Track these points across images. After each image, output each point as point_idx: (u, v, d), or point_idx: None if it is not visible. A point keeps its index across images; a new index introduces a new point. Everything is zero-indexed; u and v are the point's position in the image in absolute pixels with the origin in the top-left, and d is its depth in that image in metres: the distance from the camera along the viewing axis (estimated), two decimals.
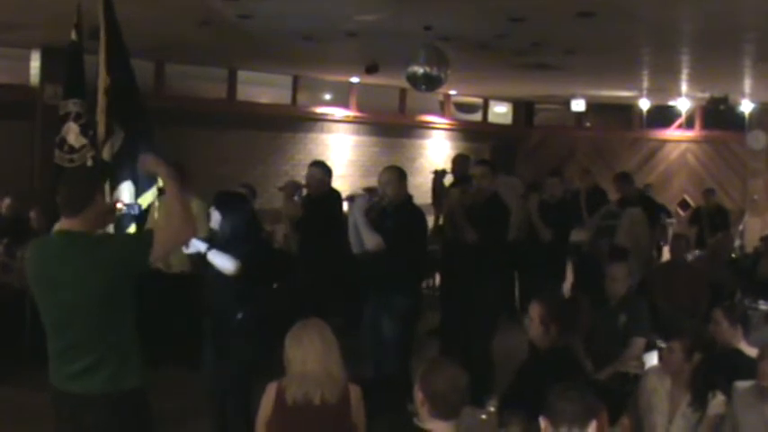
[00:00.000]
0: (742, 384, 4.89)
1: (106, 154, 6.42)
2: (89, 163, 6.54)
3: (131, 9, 6.49)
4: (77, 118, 7.22)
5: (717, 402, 4.89)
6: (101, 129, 6.44)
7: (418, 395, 3.81)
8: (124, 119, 6.47)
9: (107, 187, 6.07)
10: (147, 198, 6.53)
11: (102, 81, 6.43)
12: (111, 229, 6.21)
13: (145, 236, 4.37)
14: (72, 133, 7.23)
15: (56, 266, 4.16)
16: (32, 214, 9.88)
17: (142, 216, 6.52)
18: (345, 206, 7.80)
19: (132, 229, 6.55)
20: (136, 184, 6.47)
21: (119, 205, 6.02)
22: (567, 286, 10.06)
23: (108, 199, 5.90)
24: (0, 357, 8.04)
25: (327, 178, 8.32)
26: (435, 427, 3.76)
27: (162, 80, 12.56)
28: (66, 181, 4.38)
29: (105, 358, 4.14)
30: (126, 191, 6.42)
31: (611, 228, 10.42)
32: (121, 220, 6.38)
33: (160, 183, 6.35)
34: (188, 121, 12.21)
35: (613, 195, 11.77)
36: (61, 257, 4.15)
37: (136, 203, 6.21)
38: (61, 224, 4.19)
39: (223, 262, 5.96)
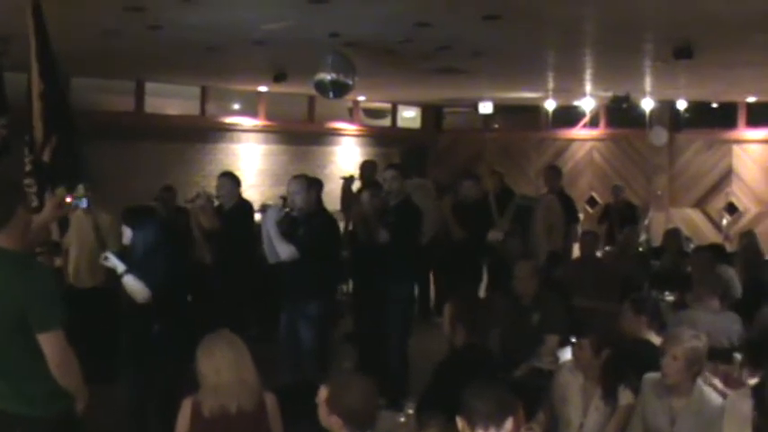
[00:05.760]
0: (651, 376, 5.02)
1: (46, 156, 6.36)
2: (28, 168, 6.47)
3: None
4: None
5: (626, 394, 5.02)
6: (37, 133, 6.37)
7: (333, 419, 3.79)
8: (56, 123, 6.41)
9: (48, 190, 6.14)
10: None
11: (36, 86, 6.37)
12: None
13: (54, 321, 4.08)
14: None
15: None
16: None
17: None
18: (258, 216, 7.77)
19: None
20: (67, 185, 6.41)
21: (68, 199, 5.94)
22: (482, 286, 10.13)
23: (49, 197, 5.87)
24: None
25: (237, 189, 8.30)
26: None
27: (68, 94, 12.30)
28: None
29: (24, 378, 4.08)
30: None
31: (526, 209, 10.54)
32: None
33: (80, 191, 6.30)
34: (96, 135, 11.96)
35: (541, 190, 11.89)
36: None
37: (83, 197, 6.17)
38: None
39: (135, 289, 5.94)
